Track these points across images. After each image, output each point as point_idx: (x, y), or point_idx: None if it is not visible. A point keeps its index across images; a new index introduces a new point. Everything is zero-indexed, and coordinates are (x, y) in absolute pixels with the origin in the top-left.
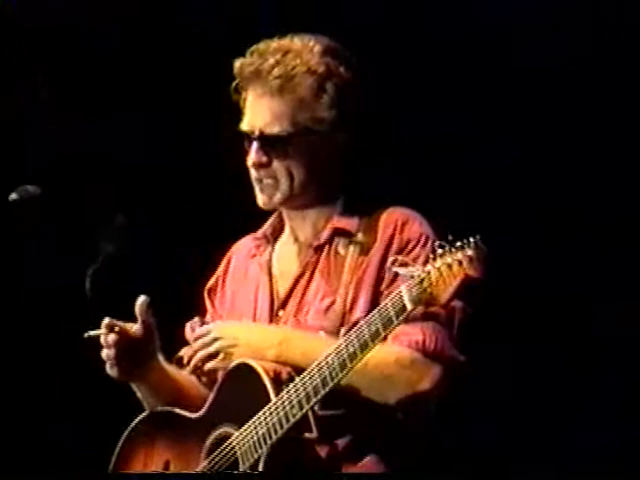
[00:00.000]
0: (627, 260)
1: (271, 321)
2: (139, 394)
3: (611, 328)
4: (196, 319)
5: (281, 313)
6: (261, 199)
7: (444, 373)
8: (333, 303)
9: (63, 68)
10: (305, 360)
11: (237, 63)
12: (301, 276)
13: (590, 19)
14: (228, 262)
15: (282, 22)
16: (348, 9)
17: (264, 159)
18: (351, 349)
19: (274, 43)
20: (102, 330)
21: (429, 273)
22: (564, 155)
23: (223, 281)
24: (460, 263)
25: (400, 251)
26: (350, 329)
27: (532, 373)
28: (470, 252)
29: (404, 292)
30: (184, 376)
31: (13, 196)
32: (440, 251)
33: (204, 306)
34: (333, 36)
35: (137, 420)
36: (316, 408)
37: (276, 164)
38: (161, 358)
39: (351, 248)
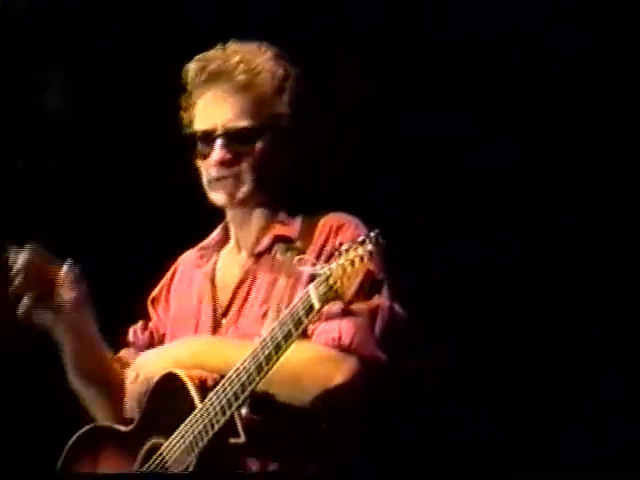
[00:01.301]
0: (627, 260)
1: (214, 330)
2: (62, 347)
3: (611, 328)
4: (139, 323)
5: (224, 321)
6: (220, 197)
7: (359, 369)
8: (269, 309)
9: (63, 68)
10: (227, 367)
11: (192, 65)
12: (242, 284)
13: (591, 18)
14: (174, 273)
15: (282, 22)
16: (348, 9)
17: (228, 156)
18: (266, 351)
19: (230, 47)
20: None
21: (332, 270)
22: (564, 155)
23: (167, 291)
24: (362, 259)
25: (332, 255)
26: None
27: (532, 373)
28: (370, 247)
29: (311, 291)
30: (114, 362)
31: None
32: (344, 248)
33: (148, 314)
34: (333, 36)
35: (75, 437)
36: (244, 413)
37: (241, 161)
38: (91, 321)
39: (288, 254)
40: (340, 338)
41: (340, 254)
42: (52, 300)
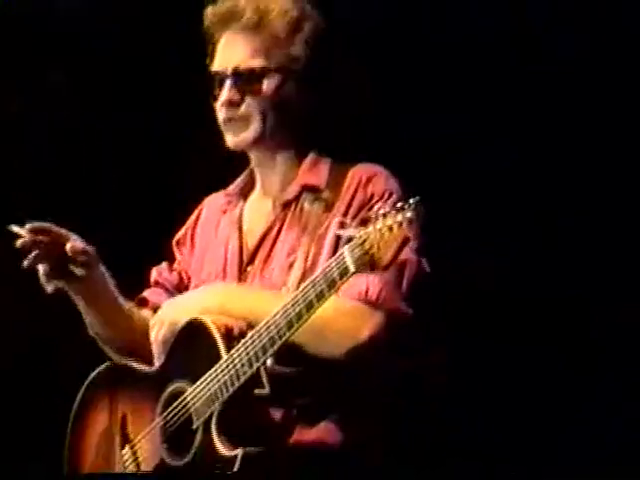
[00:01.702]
0: (626, 262)
1: (240, 276)
2: (81, 309)
3: (609, 330)
4: (163, 264)
5: (249, 269)
6: (230, 140)
7: (386, 322)
8: (296, 260)
9: (64, 68)
10: (253, 316)
11: (208, 9)
12: (268, 232)
13: (589, 20)
14: (198, 216)
15: None
16: (346, 10)
17: (236, 97)
18: (297, 309)
19: None
20: (27, 231)
21: (369, 234)
22: (563, 157)
23: (192, 234)
24: (400, 225)
25: (362, 207)
26: None
27: (530, 375)
28: (409, 214)
29: (347, 253)
30: (136, 311)
31: None
32: (382, 212)
33: (173, 255)
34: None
35: (94, 374)
36: (269, 364)
37: (249, 101)
38: (108, 280)
39: (316, 204)
40: (367, 292)
41: (377, 218)
42: (64, 269)
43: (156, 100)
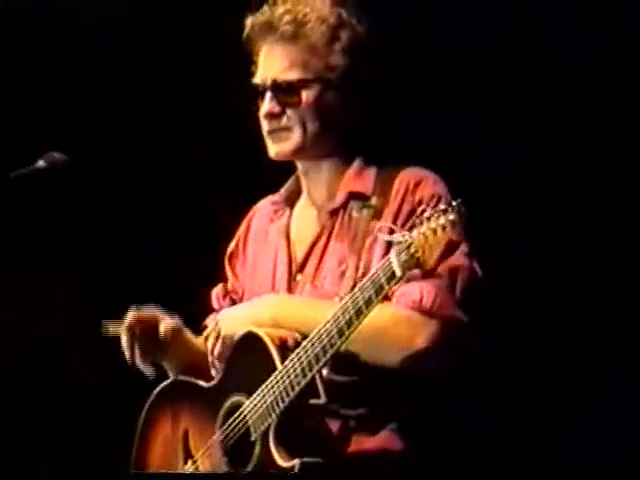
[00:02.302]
0: (633, 261)
1: (289, 285)
2: (166, 367)
3: (617, 330)
4: (220, 286)
5: (299, 278)
6: (273, 149)
7: (441, 331)
8: (347, 269)
9: (64, 68)
10: (306, 327)
11: (247, 20)
12: (317, 241)
13: (596, 21)
14: (248, 226)
15: None
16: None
17: (277, 109)
18: (347, 316)
19: None
20: (124, 327)
21: (414, 238)
22: (569, 157)
23: (244, 245)
24: (444, 228)
25: (411, 213)
26: None
27: (538, 375)
28: (452, 216)
29: (393, 258)
30: (203, 341)
31: (40, 163)
32: (426, 215)
33: (226, 275)
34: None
35: (159, 389)
36: (324, 373)
37: (289, 113)
38: (186, 334)
39: (364, 212)
40: (422, 300)
41: (422, 222)
42: (157, 350)
43: (156, 100)
